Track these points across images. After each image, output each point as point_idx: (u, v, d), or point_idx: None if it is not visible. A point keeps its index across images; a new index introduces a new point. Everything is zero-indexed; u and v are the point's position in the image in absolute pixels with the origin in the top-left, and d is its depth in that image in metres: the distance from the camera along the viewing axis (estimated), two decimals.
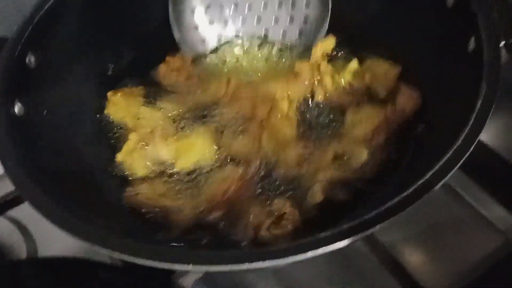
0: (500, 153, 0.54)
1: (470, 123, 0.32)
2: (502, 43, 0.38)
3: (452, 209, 0.52)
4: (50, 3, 0.49)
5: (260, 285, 0.48)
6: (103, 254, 0.45)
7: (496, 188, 0.52)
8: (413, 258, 0.48)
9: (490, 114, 0.33)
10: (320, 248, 0.28)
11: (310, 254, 0.28)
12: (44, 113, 0.45)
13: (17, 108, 0.43)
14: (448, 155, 0.31)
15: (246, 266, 0.28)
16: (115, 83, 0.57)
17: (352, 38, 0.56)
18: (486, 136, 0.55)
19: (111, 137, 0.54)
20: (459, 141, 0.31)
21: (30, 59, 0.46)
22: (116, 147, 0.52)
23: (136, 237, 0.33)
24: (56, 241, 0.51)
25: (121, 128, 0.54)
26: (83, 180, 0.46)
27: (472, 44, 0.40)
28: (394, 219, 0.30)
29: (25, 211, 0.54)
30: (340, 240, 0.28)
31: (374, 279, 0.48)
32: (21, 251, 0.51)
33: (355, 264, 0.49)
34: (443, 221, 0.51)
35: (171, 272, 0.45)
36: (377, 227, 0.29)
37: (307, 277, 0.49)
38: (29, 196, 0.35)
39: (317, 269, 0.49)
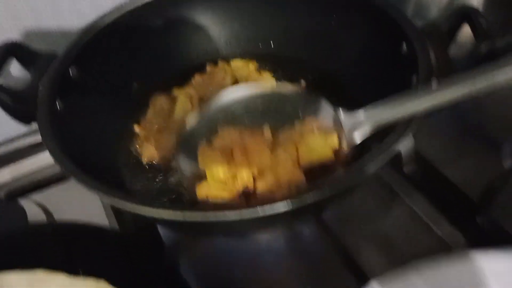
0: (460, 187, 0.64)
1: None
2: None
3: (410, 227, 0.61)
4: (95, 32, 0.63)
5: None
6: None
7: (450, 211, 0.61)
8: (367, 257, 0.57)
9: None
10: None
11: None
12: (79, 110, 0.58)
13: (58, 104, 0.55)
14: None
15: None
16: (138, 97, 0.69)
17: None
18: (450, 172, 0.66)
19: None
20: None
21: (72, 70, 0.59)
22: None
23: None
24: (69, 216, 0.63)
25: None
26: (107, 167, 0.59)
27: (414, 79, 0.52)
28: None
29: (45, 195, 0.68)
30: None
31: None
32: None
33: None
34: (401, 234, 0.60)
35: (162, 248, 0.56)
36: None
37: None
38: (63, 166, 0.47)
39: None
